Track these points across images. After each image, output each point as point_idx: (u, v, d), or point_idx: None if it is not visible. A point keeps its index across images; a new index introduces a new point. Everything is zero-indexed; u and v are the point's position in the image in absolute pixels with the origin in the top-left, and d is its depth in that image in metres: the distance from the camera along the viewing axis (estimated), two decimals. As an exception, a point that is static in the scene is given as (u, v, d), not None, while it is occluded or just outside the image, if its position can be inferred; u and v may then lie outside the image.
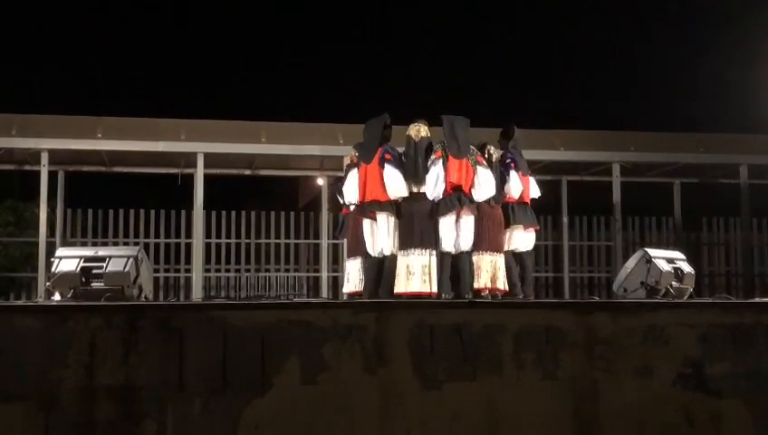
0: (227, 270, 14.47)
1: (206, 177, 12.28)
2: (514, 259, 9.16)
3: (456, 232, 8.53)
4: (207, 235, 13.88)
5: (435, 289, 8.42)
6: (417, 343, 5.67)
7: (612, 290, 9.93)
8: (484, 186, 8.59)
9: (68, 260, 7.88)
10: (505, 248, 8.97)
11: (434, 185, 8.49)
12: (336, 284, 13.62)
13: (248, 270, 14.54)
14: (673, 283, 8.80)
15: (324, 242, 13.91)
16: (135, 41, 29.50)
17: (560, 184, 14.15)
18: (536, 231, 9.50)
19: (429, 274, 8.43)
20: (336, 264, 13.87)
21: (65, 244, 12.53)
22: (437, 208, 8.51)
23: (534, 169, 11.47)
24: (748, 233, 14.21)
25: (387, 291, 8.55)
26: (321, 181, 14.40)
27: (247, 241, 14.46)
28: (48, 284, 8.09)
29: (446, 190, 8.50)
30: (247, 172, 13.99)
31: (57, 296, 7.83)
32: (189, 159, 12.40)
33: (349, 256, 9.43)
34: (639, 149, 13.28)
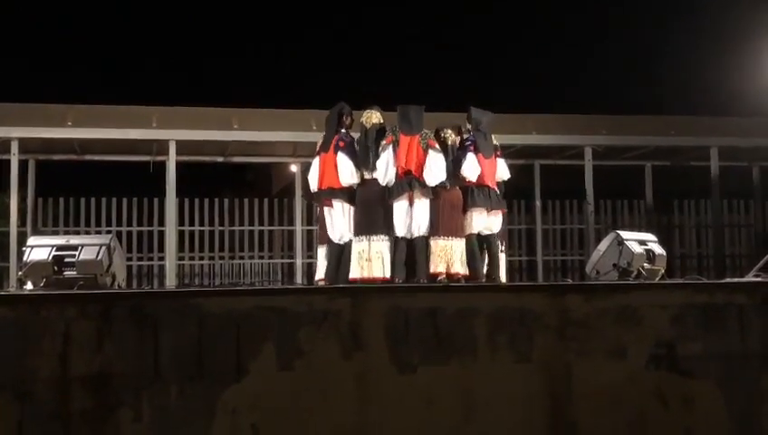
0: (201, 258, 14.43)
1: (178, 164, 12.22)
2: (480, 243, 9.14)
3: (409, 217, 8.60)
4: (180, 222, 13.82)
5: (389, 274, 8.53)
6: (393, 328, 5.68)
7: (585, 272, 10.00)
8: (434, 170, 8.64)
9: (40, 249, 7.83)
10: (467, 232, 8.98)
11: (384, 170, 8.60)
12: (311, 270, 13.61)
13: (222, 257, 14.51)
14: (645, 264, 8.88)
15: (298, 229, 13.91)
16: (105, 28, 29.25)
17: (533, 168, 14.22)
18: (503, 214, 9.46)
19: (382, 259, 8.54)
20: (311, 250, 13.86)
21: (37, 233, 12.44)
22: (390, 194, 8.60)
23: (507, 153, 11.52)
24: (719, 215, 14.34)
25: (342, 277, 8.66)
26: (294, 168, 14.37)
27: (221, 228, 14.42)
28: (20, 273, 8.05)
29: (397, 175, 8.57)
30: (220, 159, 13.94)
31: (29, 285, 7.79)
32: (161, 146, 12.34)
33: (319, 244, 9.53)
34: (611, 133, 13.37)
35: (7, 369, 5.21)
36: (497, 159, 9.32)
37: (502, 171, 9.39)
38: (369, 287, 7.55)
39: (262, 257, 14.72)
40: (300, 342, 5.54)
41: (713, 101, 18.15)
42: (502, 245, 9.58)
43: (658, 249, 9.24)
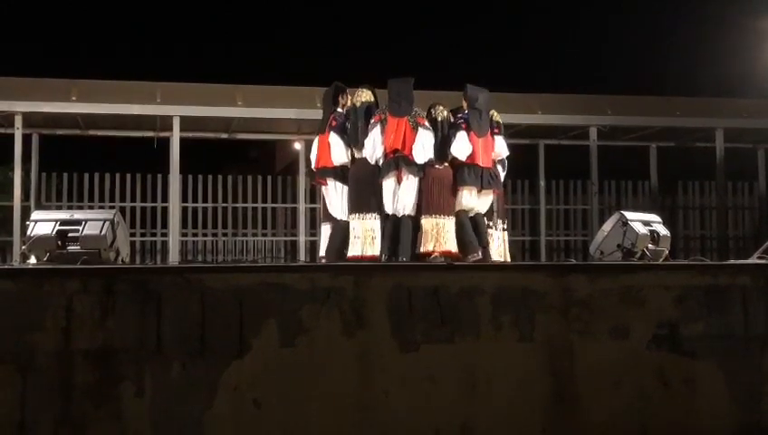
0: (204, 234, 14.42)
1: (182, 140, 12.20)
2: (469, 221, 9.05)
3: (396, 195, 8.62)
4: (184, 199, 13.82)
5: (378, 252, 8.57)
6: (396, 306, 5.68)
7: (589, 253, 9.97)
8: (425, 147, 8.65)
9: (44, 223, 7.81)
10: (456, 209, 8.92)
11: (372, 149, 8.65)
12: (314, 248, 13.61)
13: (225, 234, 14.51)
14: (649, 245, 8.86)
15: (302, 206, 13.90)
16: (110, 2, 29.15)
17: (537, 148, 14.18)
18: (498, 194, 9.40)
19: (373, 237, 8.60)
20: (314, 228, 13.85)
21: (40, 208, 12.42)
22: (379, 172, 8.66)
23: (512, 132, 11.47)
24: (723, 196, 14.31)
25: (336, 255, 8.73)
26: (298, 145, 14.33)
27: (224, 205, 14.40)
28: (24, 247, 8.04)
29: (385, 154, 8.59)
30: (224, 136, 13.90)
31: (33, 260, 7.78)
32: (165, 122, 12.32)
33: (322, 221, 9.58)
34: (616, 113, 13.31)
35: (10, 342, 5.22)
36: (495, 136, 9.18)
37: (500, 148, 9.24)
38: (373, 265, 7.56)
39: (265, 235, 14.71)
40: (302, 319, 5.54)
41: (719, 82, 18.07)
42: (504, 224, 9.54)
43: (663, 230, 9.21)
